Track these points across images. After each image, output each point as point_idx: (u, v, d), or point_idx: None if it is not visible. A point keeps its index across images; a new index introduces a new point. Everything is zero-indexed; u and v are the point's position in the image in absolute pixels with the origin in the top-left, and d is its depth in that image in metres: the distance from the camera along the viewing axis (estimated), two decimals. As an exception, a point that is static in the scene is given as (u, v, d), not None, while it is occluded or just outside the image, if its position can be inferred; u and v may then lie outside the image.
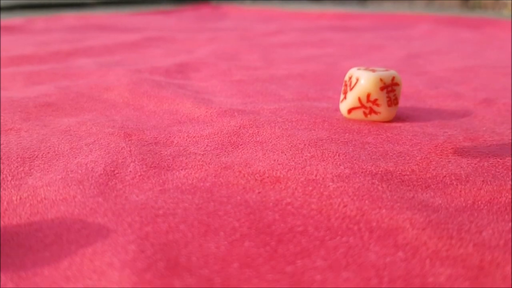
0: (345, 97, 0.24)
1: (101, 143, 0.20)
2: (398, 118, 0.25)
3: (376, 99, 0.23)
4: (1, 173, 0.17)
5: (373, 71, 0.23)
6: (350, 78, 0.24)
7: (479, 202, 0.15)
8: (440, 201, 0.15)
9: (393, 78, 0.23)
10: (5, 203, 0.15)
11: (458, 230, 0.13)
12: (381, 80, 0.23)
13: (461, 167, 0.18)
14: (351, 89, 0.24)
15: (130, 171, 0.17)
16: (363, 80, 0.23)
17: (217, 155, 0.19)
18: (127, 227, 0.13)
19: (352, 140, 0.20)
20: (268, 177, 0.17)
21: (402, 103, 0.29)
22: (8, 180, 0.17)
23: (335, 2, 1.46)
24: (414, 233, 0.13)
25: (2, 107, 0.25)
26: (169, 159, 0.18)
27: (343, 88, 0.25)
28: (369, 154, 0.19)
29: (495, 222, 0.14)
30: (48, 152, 0.19)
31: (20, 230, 0.13)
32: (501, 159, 0.19)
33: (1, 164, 0.18)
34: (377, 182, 0.16)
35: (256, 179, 0.16)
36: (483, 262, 0.12)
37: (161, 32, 0.60)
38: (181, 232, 0.13)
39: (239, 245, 0.13)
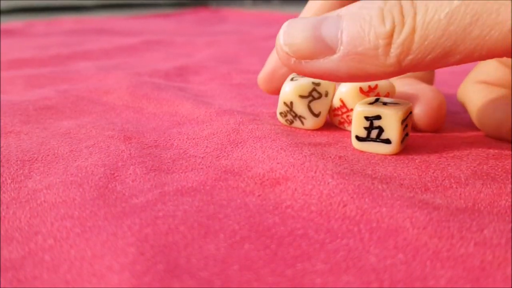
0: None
1: (101, 146, 0.20)
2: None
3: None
4: (1, 176, 0.17)
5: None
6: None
7: (479, 205, 0.15)
8: (440, 202, 0.15)
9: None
10: (4, 206, 0.15)
11: (459, 229, 0.13)
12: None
13: (461, 169, 0.18)
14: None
15: (130, 174, 0.17)
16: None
17: (216, 157, 0.19)
18: (126, 230, 0.13)
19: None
20: (267, 179, 0.17)
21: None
22: (7, 183, 0.17)
23: (334, 5, 1.46)
24: (414, 232, 0.13)
25: (2, 110, 0.25)
26: (169, 162, 0.18)
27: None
28: (368, 158, 0.19)
29: (496, 221, 0.14)
30: (48, 155, 0.19)
31: (19, 233, 0.13)
32: (500, 161, 0.19)
33: (1, 167, 0.18)
34: (376, 182, 0.16)
35: (255, 182, 0.16)
36: (484, 263, 0.12)
37: (160, 35, 0.61)
38: (181, 233, 0.13)
39: (239, 247, 0.13)
